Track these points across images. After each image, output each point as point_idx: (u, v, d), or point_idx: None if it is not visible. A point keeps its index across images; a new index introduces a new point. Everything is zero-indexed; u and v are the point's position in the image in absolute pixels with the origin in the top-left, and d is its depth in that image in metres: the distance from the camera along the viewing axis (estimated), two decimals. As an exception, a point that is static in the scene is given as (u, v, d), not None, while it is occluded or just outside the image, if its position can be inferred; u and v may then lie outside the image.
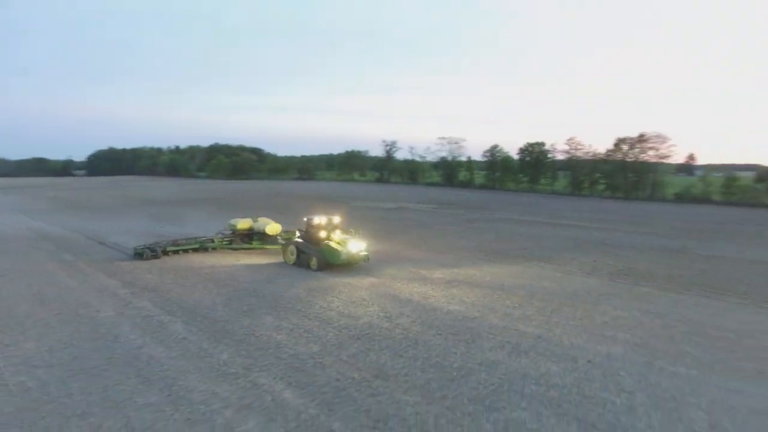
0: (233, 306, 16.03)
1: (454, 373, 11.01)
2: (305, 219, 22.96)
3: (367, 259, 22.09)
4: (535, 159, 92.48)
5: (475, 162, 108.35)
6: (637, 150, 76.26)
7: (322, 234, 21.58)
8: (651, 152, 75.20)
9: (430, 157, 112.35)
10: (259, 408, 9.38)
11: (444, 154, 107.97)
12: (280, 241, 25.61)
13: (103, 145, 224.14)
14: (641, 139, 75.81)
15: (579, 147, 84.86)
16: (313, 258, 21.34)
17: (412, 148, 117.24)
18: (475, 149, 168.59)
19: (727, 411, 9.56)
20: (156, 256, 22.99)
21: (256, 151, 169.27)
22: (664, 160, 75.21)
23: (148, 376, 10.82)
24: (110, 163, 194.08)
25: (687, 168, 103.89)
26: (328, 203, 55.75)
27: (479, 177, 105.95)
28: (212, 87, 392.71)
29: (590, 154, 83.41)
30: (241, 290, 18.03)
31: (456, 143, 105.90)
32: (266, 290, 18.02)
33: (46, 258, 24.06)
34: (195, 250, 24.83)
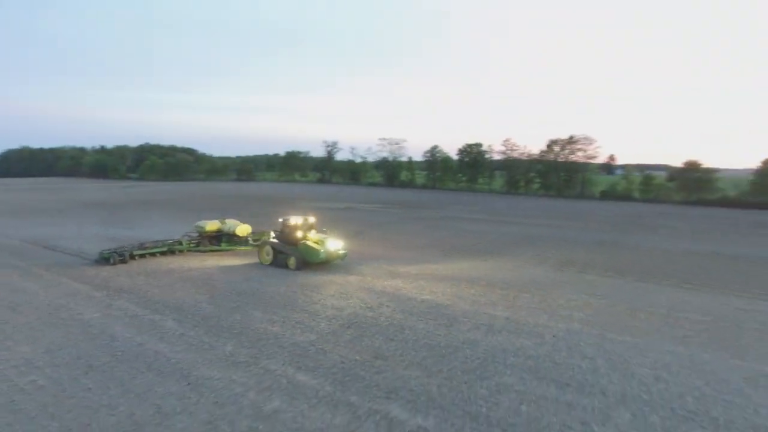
0: (219, 303, 16.61)
1: (443, 351, 12.47)
2: (280, 220, 23.45)
3: (344, 257, 22.98)
4: (473, 159, 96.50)
5: (416, 162, 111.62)
6: (567, 151, 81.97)
7: (299, 234, 22.17)
8: (580, 153, 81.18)
9: (372, 158, 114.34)
10: (279, 389, 10.35)
11: (385, 154, 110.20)
12: (251, 242, 25.92)
13: (15, 144, 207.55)
14: (571, 140, 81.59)
15: (514, 148, 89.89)
16: (292, 257, 21.94)
17: (353, 149, 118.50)
18: (415, 150, 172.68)
19: (665, 367, 11.68)
20: (124, 261, 22.54)
21: (189, 152, 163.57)
22: (592, 161, 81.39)
23: (160, 369, 11.42)
24: (25, 163, 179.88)
25: (608, 167, 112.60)
26: (276, 205, 55.86)
27: (420, 177, 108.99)
28: (138, 84, 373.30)
29: (525, 155, 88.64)
30: (222, 289, 18.53)
31: (397, 144, 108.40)
32: (246, 288, 18.65)
33: None
34: (163, 253, 24.46)
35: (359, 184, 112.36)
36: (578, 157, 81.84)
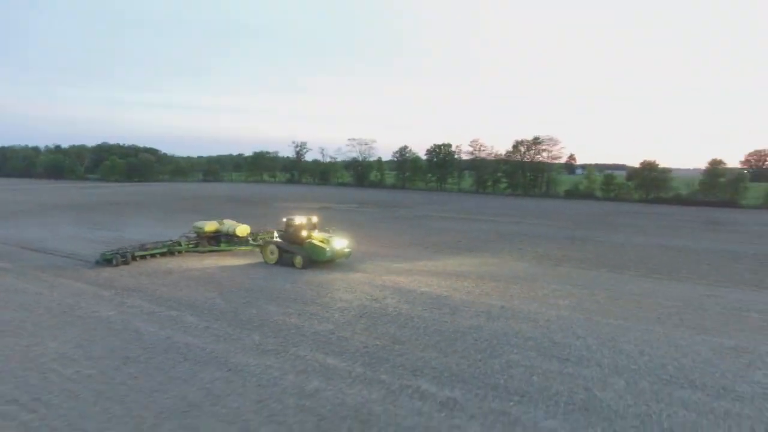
0: (231, 300, 17.41)
1: (453, 335, 13.82)
2: (284, 219, 24.17)
3: (349, 255, 23.78)
4: (442, 160, 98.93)
5: (385, 162, 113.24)
6: (532, 151, 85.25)
7: (304, 233, 22.97)
8: (545, 153, 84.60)
9: (341, 158, 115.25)
10: (314, 372, 11.44)
11: (355, 155, 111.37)
12: (251, 242, 26.55)
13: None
14: (536, 141, 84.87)
15: (482, 148, 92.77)
16: (298, 256, 22.63)
17: (322, 149, 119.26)
18: (384, 150, 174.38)
19: (646, 343, 13.41)
20: (126, 262, 22.72)
21: (151, 152, 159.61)
22: (556, 161, 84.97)
23: (197, 358, 12.28)
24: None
25: (569, 167, 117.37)
26: (251, 205, 56.25)
27: (389, 177, 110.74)
28: (95, 82, 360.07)
29: (492, 155, 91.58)
30: (229, 286, 19.29)
31: (366, 144, 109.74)
32: (253, 285, 19.48)
33: None
34: (162, 254, 24.70)
35: (329, 184, 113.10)
36: (543, 157, 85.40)
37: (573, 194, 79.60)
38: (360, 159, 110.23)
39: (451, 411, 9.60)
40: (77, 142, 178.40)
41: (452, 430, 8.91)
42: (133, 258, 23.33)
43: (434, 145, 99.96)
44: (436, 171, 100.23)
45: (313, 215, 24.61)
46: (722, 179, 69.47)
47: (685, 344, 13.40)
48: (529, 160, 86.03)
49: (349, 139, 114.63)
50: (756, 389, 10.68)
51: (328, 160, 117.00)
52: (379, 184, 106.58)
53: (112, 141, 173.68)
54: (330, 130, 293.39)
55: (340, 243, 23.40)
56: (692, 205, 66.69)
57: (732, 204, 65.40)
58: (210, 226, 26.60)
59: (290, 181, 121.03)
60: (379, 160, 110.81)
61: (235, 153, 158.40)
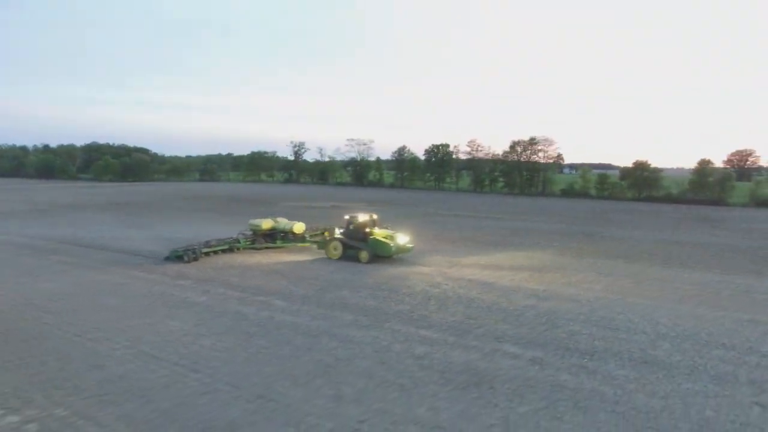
0: (307, 287, 19.57)
1: (515, 312, 16.25)
2: (347, 217, 25.86)
3: (411, 250, 25.46)
4: (440, 159, 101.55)
5: (384, 162, 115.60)
6: (529, 152, 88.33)
7: (367, 230, 24.73)
8: (540, 153, 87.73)
9: (339, 158, 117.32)
10: (415, 341, 13.75)
11: (353, 154, 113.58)
12: (308, 238, 28.27)
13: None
14: (532, 141, 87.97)
15: (479, 148, 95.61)
16: (363, 251, 24.33)
17: (321, 149, 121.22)
18: (382, 150, 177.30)
19: (677, 317, 15.95)
20: (196, 259, 24.16)
21: (142, 152, 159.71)
22: (551, 161, 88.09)
23: (308, 333, 14.43)
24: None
25: (557, 166, 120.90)
26: (261, 205, 58.16)
27: (388, 177, 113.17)
28: (74, 81, 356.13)
29: (489, 155, 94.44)
30: (300, 277, 21.30)
31: (365, 144, 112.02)
32: (322, 276, 21.46)
33: (60, 266, 23.95)
34: (223, 251, 26.24)
35: (327, 183, 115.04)
36: (539, 157, 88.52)
37: (568, 193, 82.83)
38: (359, 159, 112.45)
39: (541, 365, 12.03)
40: (62, 142, 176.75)
41: (548, 378, 11.33)
42: (202, 255, 24.87)
43: (432, 145, 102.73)
44: (435, 171, 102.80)
45: (373, 213, 26.57)
46: (711, 179, 73.25)
47: (709, 318, 16.03)
48: (526, 160, 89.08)
49: (347, 139, 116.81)
50: (775, 349, 13.33)
51: (326, 159, 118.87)
52: (377, 184, 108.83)
53: (101, 141, 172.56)
54: (328, 130, 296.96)
55: (402, 239, 25.19)
56: (682, 203, 70.30)
57: (720, 202, 69.14)
58: (266, 223, 28.22)
59: (288, 180, 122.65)
60: (378, 160, 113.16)
61: (224, 153, 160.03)
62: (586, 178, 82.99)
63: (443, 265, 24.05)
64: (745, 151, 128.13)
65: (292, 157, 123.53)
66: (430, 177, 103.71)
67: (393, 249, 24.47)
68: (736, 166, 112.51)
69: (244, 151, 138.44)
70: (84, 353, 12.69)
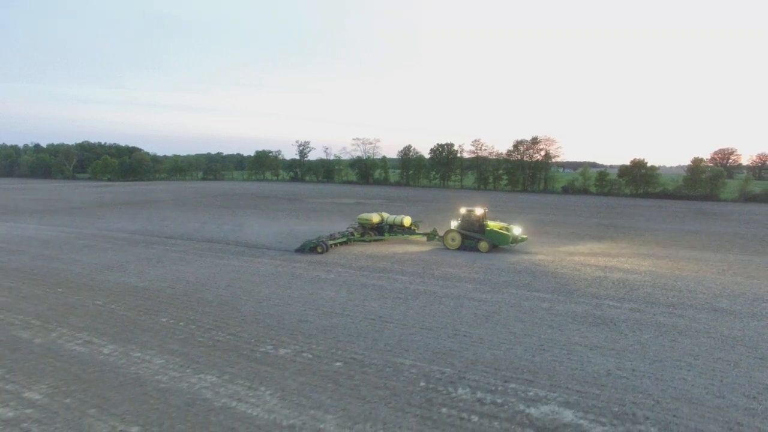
0: (426, 267, 23.45)
1: (595, 281, 20.52)
2: (463, 211, 28.51)
3: (526, 240, 28.03)
4: (445, 158, 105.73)
5: (389, 161, 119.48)
6: (531, 151, 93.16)
7: (484, 222, 27.51)
8: (542, 152, 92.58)
9: (345, 157, 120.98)
10: (535, 300, 17.85)
11: (359, 153, 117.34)
12: (416, 230, 30.86)
13: None
14: (534, 141, 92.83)
15: (483, 148, 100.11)
16: (483, 242, 26.86)
17: (326, 148, 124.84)
18: (388, 149, 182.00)
19: (721, 284, 20.29)
20: (326, 249, 26.65)
21: (135, 151, 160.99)
22: (553, 159, 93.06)
23: (449, 296, 18.50)
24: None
25: (560, 165, 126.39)
26: (285, 201, 61.78)
27: (394, 175, 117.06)
28: (58, 78, 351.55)
29: (493, 154, 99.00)
30: (419, 261, 24.91)
31: (371, 143, 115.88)
32: (439, 260, 25.23)
33: (184, 254, 27.77)
34: (342, 243, 28.73)
35: (333, 182, 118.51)
36: (541, 156, 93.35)
37: (569, 190, 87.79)
38: (364, 157, 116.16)
39: (641, 312, 16.28)
40: (47, 141, 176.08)
41: (651, 319, 15.57)
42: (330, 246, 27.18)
43: (437, 144, 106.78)
44: (439, 169, 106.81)
45: (484, 207, 29.15)
46: (704, 175, 78.91)
47: (746, 284, 20.48)
48: (528, 158, 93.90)
49: (354, 139, 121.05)
50: (804, 303, 17.80)
51: (332, 158, 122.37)
52: (383, 182, 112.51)
53: (93, 140, 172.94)
54: (334, 130, 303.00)
55: (517, 230, 27.93)
56: (677, 198, 75.82)
57: (712, 198, 74.80)
58: (376, 218, 30.57)
59: (294, 179, 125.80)
60: (384, 159, 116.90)
61: (217, 152, 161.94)
62: (587, 175, 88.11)
63: (507, 250, 28.22)
64: (728, 149, 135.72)
65: (297, 156, 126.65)
66: (435, 175, 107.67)
67: (510, 239, 27.01)
68: (718, 164, 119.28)
69: (245, 150, 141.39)
70: (282, 313, 16.39)
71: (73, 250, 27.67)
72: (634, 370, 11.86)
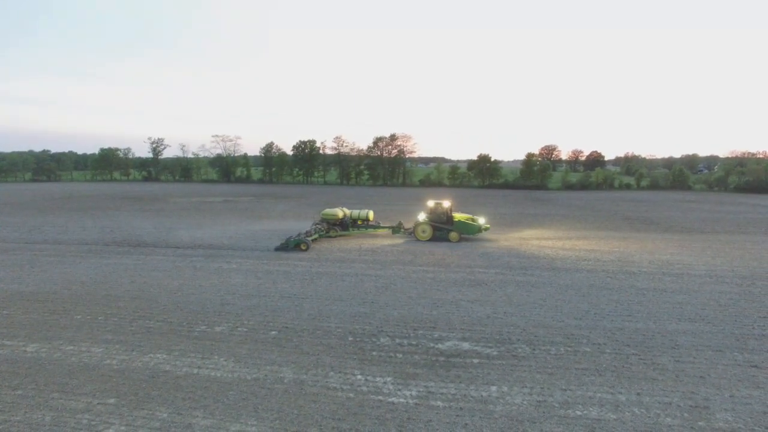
0: (406, 256, 25.36)
1: (599, 259, 24.78)
2: (431, 204, 29.86)
3: (488, 229, 30.07)
4: (307, 155, 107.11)
5: (251, 158, 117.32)
6: (390, 147, 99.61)
7: (452, 214, 29.17)
8: (399, 148, 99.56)
9: (205, 155, 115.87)
10: (535, 280, 21.31)
11: (220, 151, 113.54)
12: (381, 225, 31.71)
13: None
14: (393, 137, 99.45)
15: (345, 144, 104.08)
16: (453, 232, 28.70)
17: (183, 146, 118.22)
18: (249, 146, 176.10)
19: (561, 249, 26.08)
20: (308, 247, 26.34)
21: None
22: (410, 155, 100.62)
23: (438, 280, 21.04)
24: None
25: (417, 160, 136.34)
26: (146, 202, 58.92)
27: (256, 173, 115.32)
28: None
29: (355, 151, 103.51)
30: (397, 251, 26.72)
31: (231, 141, 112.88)
32: (415, 250, 27.13)
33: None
34: (315, 240, 28.30)
35: (192, 180, 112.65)
36: (399, 152, 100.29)
37: (426, 183, 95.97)
38: (225, 155, 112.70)
39: (716, 283, 20.64)
40: None
41: (715, 290, 19.93)
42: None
43: (299, 141, 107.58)
44: (302, 165, 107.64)
45: (448, 200, 30.80)
46: (535, 168, 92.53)
47: (572, 250, 26.51)
48: (388, 154, 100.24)
49: (213, 136, 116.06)
50: None
51: (190, 156, 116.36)
52: (246, 180, 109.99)
53: None
54: (191, 127, 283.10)
55: (482, 220, 30.16)
56: (516, 188, 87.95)
57: (543, 187, 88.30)
58: (340, 213, 30.69)
59: (147, 179, 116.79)
60: (246, 156, 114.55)
61: (56, 151, 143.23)
62: (441, 169, 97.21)
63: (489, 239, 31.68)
64: (551, 146, 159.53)
65: (150, 154, 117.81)
66: (298, 172, 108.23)
67: (477, 229, 29.35)
68: (546, 159, 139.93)
69: (81, 149, 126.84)
70: (202, 300, 17.53)
71: None
72: (505, 312, 15.73)
